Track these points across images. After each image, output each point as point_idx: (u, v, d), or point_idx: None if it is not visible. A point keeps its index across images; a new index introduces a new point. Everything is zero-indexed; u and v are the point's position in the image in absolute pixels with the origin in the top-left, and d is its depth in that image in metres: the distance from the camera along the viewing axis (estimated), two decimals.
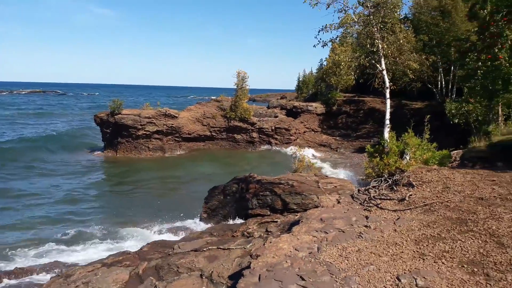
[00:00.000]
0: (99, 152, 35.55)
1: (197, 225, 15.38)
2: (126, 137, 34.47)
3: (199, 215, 15.88)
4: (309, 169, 15.69)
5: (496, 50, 12.85)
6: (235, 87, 38.67)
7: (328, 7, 10.98)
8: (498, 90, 16.79)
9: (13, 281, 11.08)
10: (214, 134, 38.07)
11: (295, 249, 6.08)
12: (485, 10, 12.85)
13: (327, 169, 26.73)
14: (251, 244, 8.80)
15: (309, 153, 32.23)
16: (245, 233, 10.42)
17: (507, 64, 13.19)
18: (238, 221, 12.86)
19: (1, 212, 18.11)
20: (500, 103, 19.46)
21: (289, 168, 17.69)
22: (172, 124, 35.33)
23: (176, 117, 35.79)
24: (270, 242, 6.55)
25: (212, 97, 44.58)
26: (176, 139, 36.08)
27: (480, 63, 13.94)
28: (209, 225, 14.06)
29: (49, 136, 40.31)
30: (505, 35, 12.38)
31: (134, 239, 14.83)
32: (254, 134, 38.81)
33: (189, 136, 36.55)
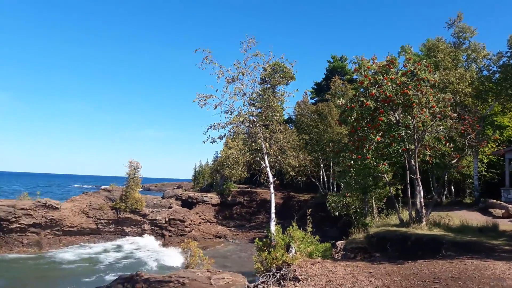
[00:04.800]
0: None
1: None
2: None
3: None
4: (201, 265, 15.16)
5: (365, 151, 14.62)
6: (127, 176, 37.27)
7: (216, 108, 11.78)
8: (370, 186, 18.98)
9: None
10: (100, 226, 35.11)
11: None
12: (352, 117, 14.86)
13: (221, 262, 26.08)
14: None
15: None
16: None
17: (375, 163, 15.11)
18: None
19: None
20: (373, 197, 21.90)
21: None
22: (53, 216, 31.87)
23: (58, 208, 32.52)
24: None
25: (102, 187, 42.11)
26: (56, 232, 32.33)
27: (352, 162, 15.61)
28: None
29: None
30: (370, 138, 14.30)
31: None
32: (146, 226, 36.78)
33: (72, 229, 33.10)
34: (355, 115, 14.59)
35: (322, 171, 41.51)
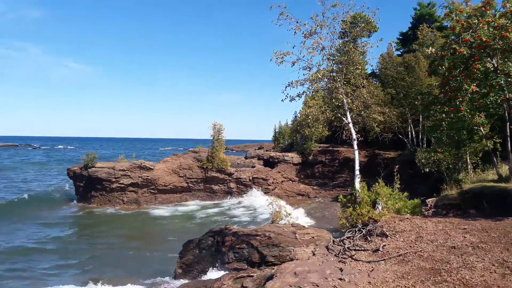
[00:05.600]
0: (72, 205, 34.55)
1: (171, 282, 14.84)
2: (100, 190, 33.82)
3: (174, 271, 15.35)
4: (286, 220, 15.65)
5: (458, 103, 13.51)
6: (211, 138, 39.04)
7: (293, 65, 11.45)
8: (464, 140, 17.59)
9: None
10: (191, 185, 37.70)
11: None
12: (443, 67, 13.69)
13: (304, 219, 26.61)
14: None
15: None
16: None
17: (469, 116, 13.93)
18: (214, 276, 12.49)
19: None
20: (467, 152, 20.32)
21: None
22: (148, 176, 34.91)
23: (152, 169, 35.46)
24: None
25: (190, 149, 44.71)
26: (152, 191, 35.51)
27: (444, 115, 14.55)
28: (183, 282, 13.58)
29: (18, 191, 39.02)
30: (464, 89, 13.12)
31: None
32: (232, 185, 38.65)
33: (165, 188, 36.05)
34: (447, 64, 13.40)
35: (410, 126, 39.34)
